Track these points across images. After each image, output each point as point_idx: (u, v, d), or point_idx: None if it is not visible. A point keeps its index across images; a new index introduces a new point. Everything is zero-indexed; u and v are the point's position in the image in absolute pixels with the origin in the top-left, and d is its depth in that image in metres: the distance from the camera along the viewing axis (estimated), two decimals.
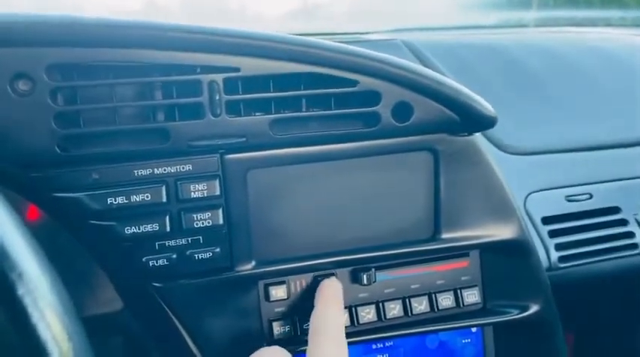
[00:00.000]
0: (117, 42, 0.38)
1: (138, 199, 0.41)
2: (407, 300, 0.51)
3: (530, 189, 0.66)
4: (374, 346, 0.52)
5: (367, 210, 0.48)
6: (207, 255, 0.43)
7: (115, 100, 0.39)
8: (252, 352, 0.43)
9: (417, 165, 0.49)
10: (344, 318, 0.44)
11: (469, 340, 0.54)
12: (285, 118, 0.43)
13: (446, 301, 0.51)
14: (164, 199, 0.41)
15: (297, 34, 0.43)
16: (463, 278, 0.52)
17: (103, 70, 0.39)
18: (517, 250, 0.53)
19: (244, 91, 0.42)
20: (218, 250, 0.43)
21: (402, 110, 0.45)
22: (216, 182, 0.43)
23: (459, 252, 0.52)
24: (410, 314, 0.50)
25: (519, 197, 0.64)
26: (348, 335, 0.48)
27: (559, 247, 0.63)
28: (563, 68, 0.84)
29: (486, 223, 0.51)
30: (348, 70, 0.43)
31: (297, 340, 0.48)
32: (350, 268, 0.49)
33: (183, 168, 0.42)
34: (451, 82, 0.46)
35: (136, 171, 0.41)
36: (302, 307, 0.48)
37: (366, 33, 0.94)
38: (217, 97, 0.41)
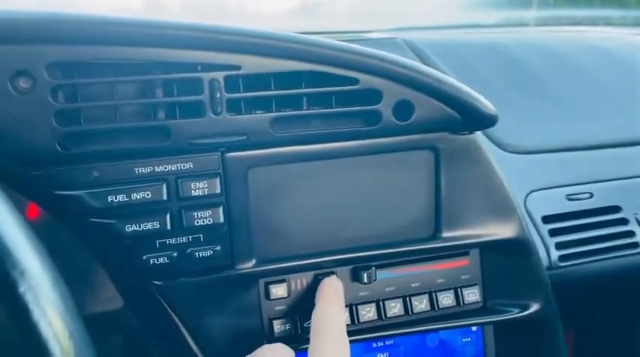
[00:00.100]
0: (118, 40, 0.38)
1: (138, 197, 0.41)
2: (407, 298, 0.51)
3: (530, 188, 0.66)
4: (374, 345, 0.52)
5: (368, 208, 0.48)
6: (208, 253, 0.43)
7: (115, 97, 0.39)
8: (252, 350, 0.43)
9: (417, 163, 0.49)
10: (345, 316, 0.44)
11: (469, 339, 0.54)
12: (286, 116, 0.43)
13: (446, 299, 0.51)
14: (165, 197, 0.41)
15: (297, 33, 0.43)
16: (463, 277, 0.52)
17: (103, 67, 0.39)
18: (517, 248, 0.53)
19: (245, 89, 0.42)
20: (219, 248, 0.43)
21: (403, 109, 0.45)
22: (217, 180, 0.43)
23: (459, 251, 0.52)
24: (410, 313, 0.50)
25: (520, 196, 0.64)
26: (348, 334, 0.48)
27: (559, 246, 0.63)
28: (564, 67, 0.84)
29: (487, 222, 0.51)
30: (349, 68, 0.43)
31: (297, 338, 0.48)
32: (350, 267, 0.49)
33: (184, 166, 0.42)
34: (452, 80, 0.46)
35: (136, 169, 0.41)
36: (302, 306, 0.48)
37: (367, 32, 0.94)
38: (218, 95, 0.41)
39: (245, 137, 0.42)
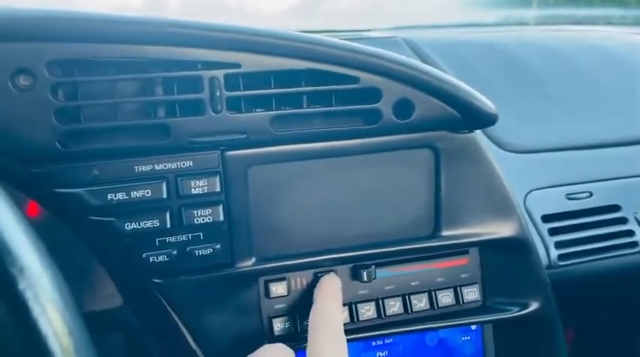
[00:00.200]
0: (118, 38, 0.38)
1: (138, 195, 0.41)
2: (407, 297, 0.51)
3: (530, 187, 0.66)
4: (373, 343, 0.52)
5: (367, 207, 0.48)
6: (208, 251, 0.43)
7: (115, 95, 0.39)
8: (252, 348, 0.43)
9: (417, 162, 0.49)
10: (343, 314, 0.44)
11: (469, 338, 0.54)
12: (286, 114, 0.43)
13: (445, 298, 0.52)
14: (164, 195, 0.41)
15: (297, 32, 0.43)
16: (463, 276, 0.52)
17: (103, 65, 0.39)
18: (517, 247, 0.53)
19: (245, 88, 0.42)
20: (218, 246, 0.43)
21: (403, 107, 0.45)
22: (217, 179, 0.43)
23: (459, 249, 0.52)
24: (410, 311, 0.50)
25: (519, 195, 0.64)
26: (347, 332, 0.48)
27: (559, 245, 0.63)
28: (564, 67, 0.84)
29: (486, 221, 0.51)
30: (349, 66, 0.43)
31: (297, 336, 0.48)
32: (350, 265, 0.49)
33: (183, 164, 0.42)
34: (452, 79, 0.46)
35: (136, 167, 0.41)
36: (302, 304, 0.48)
37: (367, 30, 0.94)
38: (218, 94, 0.41)
39: (245, 135, 0.42)
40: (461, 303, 0.52)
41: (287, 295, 0.48)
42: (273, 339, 0.47)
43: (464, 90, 0.46)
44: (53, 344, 0.23)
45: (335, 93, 0.44)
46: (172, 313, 0.45)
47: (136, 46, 0.39)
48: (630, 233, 0.66)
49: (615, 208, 0.67)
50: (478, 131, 0.50)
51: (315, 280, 0.48)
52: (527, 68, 0.82)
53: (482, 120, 0.48)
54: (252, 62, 0.41)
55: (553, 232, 0.64)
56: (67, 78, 0.38)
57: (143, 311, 0.48)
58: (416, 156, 0.49)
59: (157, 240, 0.42)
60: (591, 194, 0.67)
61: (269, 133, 0.43)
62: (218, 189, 0.43)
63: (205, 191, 0.42)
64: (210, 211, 0.43)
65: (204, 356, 0.46)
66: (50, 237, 0.33)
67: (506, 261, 0.53)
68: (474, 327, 0.54)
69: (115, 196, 0.40)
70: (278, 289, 0.47)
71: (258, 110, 0.43)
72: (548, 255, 0.62)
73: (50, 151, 0.38)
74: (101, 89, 0.39)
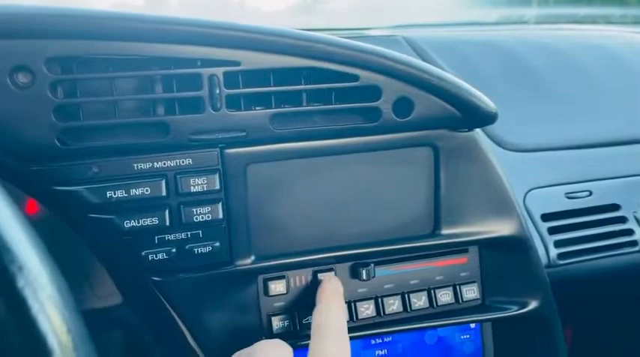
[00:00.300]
0: (117, 35, 0.38)
1: (137, 193, 0.41)
2: (406, 295, 0.51)
3: (529, 186, 0.66)
4: (373, 342, 0.52)
5: (367, 205, 0.48)
6: (207, 249, 0.43)
7: (115, 93, 0.39)
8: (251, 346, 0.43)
9: (417, 160, 0.49)
10: (346, 316, 0.44)
11: (468, 336, 0.54)
12: (286, 112, 0.43)
13: (445, 296, 0.52)
14: (164, 193, 0.41)
15: (297, 29, 0.43)
16: (462, 274, 0.52)
17: (103, 62, 0.39)
18: (516, 246, 0.53)
19: (245, 85, 0.42)
20: (217, 244, 0.43)
21: (402, 105, 0.45)
22: (216, 176, 0.42)
23: (458, 248, 0.52)
24: (409, 310, 0.51)
25: (519, 194, 0.64)
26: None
27: (558, 243, 0.63)
28: (564, 65, 0.84)
29: (486, 219, 0.51)
30: (349, 64, 0.43)
31: (296, 335, 0.48)
32: (349, 263, 0.49)
33: (183, 162, 0.42)
34: (452, 77, 0.46)
35: (135, 164, 0.41)
36: (301, 302, 0.48)
37: (367, 29, 0.93)
38: (217, 91, 0.41)
39: (244, 133, 0.42)
40: (460, 301, 0.52)
41: (286, 294, 0.48)
42: (272, 337, 0.47)
43: (464, 88, 0.46)
44: (52, 342, 0.23)
45: (334, 91, 0.44)
46: (171, 310, 0.45)
47: (135, 44, 0.39)
48: (629, 232, 0.66)
49: (615, 207, 0.67)
50: (478, 130, 0.50)
51: (315, 278, 0.48)
52: (527, 67, 0.82)
53: (482, 118, 0.48)
54: (251, 60, 0.41)
55: (552, 230, 0.64)
56: (66, 75, 0.38)
57: (142, 309, 0.48)
58: (415, 154, 0.49)
59: (156, 238, 0.42)
60: (591, 193, 0.67)
61: (268, 130, 0.43)
62: (217, 187, 0.43)
63: (204, 189, 0.42)
64: (210, 208, 0.43)
65: (203, 354, 0.46)
66: (49, 235, 0.33)
67: (505, 260, 0.53)
68: (473, 325, 0.54)
69: (114, 194, 0.40)
70: (277, 287, 0.47)
71: (257, 108, 0.43)
72: (547, 254, 0.62)
73: (49, 149, 0.38)
74: (100, 87, 0.39)
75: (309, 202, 0.47)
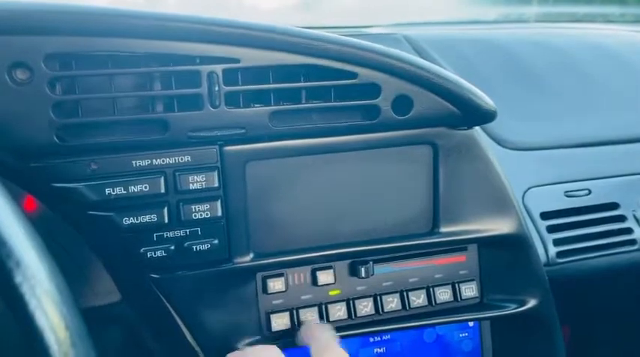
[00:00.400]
0: (116, 31, 0.38)
1: (136, 190, 0.40)
2: (405, 293, 0.51)
3: (529, 184, 0.65)
4: (371, 340, 0.52)
5: (366, 203, 0.48)
6: (205, 247, 0.43)
7: (113, 90, 0.39)
8: (249, 344, 0.43)
9: (416, 158, 0.49)
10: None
11: (466, 334, 0.54)
12: (285, 109, 0.43)
13: (443, 294, 0.52)
14: (162, 190, 0.41)
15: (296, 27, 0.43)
16: (461, 272, 0.52)
17: (101, 59, 0.39)
18: (515, 244, 0.53)
19: (244, 83, 0.42)
20: (216, 241, 0.43)
21: (401, 103, 0.45)
22: (215, 174, 0.42)
23: (457, 246, 0.52)
24: (407, 308, 0.51)
25: (518, 192, 0.64)
26: (345, 328, 0.48)
27: (557, 242, 0.63)
28: (563, 64, 0.84)
29: (485, 218, 0.51)
30: (348, 62, 0.43)
31: (294, 333, 0.48)
32: (348, 261, 0.49)
33: (182, 159, 0.42)
34: (451, 75, 0.46)
35: (134, 162, 0.41)
36: (300, 300, 0.48)
37: (367, 27, 0.93)
38: (216, 88, 0.41)
39: (243, 131, 0.42)
40: (459, 299, 0.52)
41: (285, 291, 0.48)
42: (271, 335, 0.47)
43: (463, 86, 0.46)
44: (50, 338, 0.23)
45: (334, 88, 0.44)
46: (170, 308, 0.45)
47: (134, 40, 0.39)
48: (628, 231, 0.66)
49: (614, 205, 0.67)
50: (477, 128, 0.50)
51: (314, 276, 0.48)
52: (527, 66, 0.82)
53: (481, 116, 0.48)
54: (251, 57, 0.41)
55: (551, 229, 0.64)
56: (65, 72, 0.38)
57: (141, 306, 0.47)
58: (414, 152, 0.49)
59: (155, 235, 0.42)
60: (590, 192, 0.67)
61: (267, 128, 0.43)
62: (216, 184, 0.43)
63: (203, 186, 0.42)
64: (208, 206, 0.43)
65: (202, 351, 0.46)
66: (48, 232, 0.33)
67: (504, 258, 0.53)
68: (471, 323, 0.54)
69: (113, 191, 0.40)
70: (276, 284, 0.47)
71: (256, 105, 0.42)
72: (546, 252, 0.62)
73: (48, 146, 0.38)
74: (99, 83, 0.39)
75: (307, 200, 0.47)
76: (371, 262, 0.49)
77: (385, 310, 0.50)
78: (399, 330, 0.51)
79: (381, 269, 0.50)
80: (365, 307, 0.50)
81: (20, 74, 0.37)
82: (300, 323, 0.48)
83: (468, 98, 0.46)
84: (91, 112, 0.39)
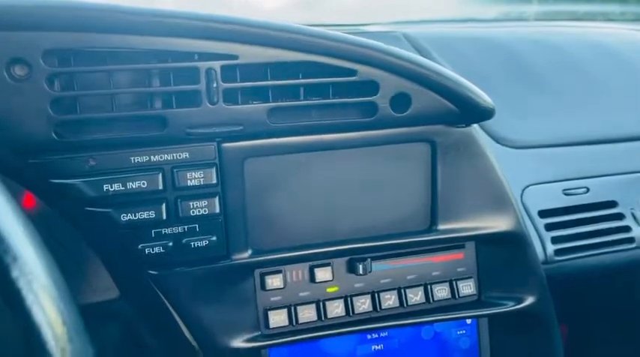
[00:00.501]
0: (115, 27, 0.38)
1: (134, 186, 0.41)
2: (402, 290, 0.51)
3: (527, 182, 0.66)
4: (369, 337, 0.52)
5: (364, 200, 0.48)
6: (204, 243, 0.43)
7: (112, 86, 0.39)
8: (247, 341, 0.43)
9: (414, 156, 0.49)
10: None
11: (464, 332, 0.54)
12: (283, 106, 0.43)
13: (441, 292, 0.52)
14: (160, 187, 0.41)
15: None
16: (459, 269, 0.53)
17: (100, 56, 0.39)
18: (513, 242, 0.53)
19: (242, 79, 0.42)
20: (214, 238, 0.43)
21: (400, 100, 0.45)
22: (213, 170, 0.42)
23: (455, 243, 0.52)
24: (405, 305, 0.51)
25: (516, 190, 0.64)
26: (342, 325, 0.48)
27: (555, 240, 0.63)
28: (563, 63, 0.84)
29: (483, 215, 0.51)
30: (347, 59, 0.43)
31: (293, 329, 0.48)
32: (346, 258, 0.49)
33: (180, 156, 0.42)
34: (450, 72, 0.46)
35: (132, 158, 0.41)
36: (298, 297, 0.48)
37: (366, 24, 0.93)
38: (215, 85, 0.41)
39: (241, 127, 0.42)
40: (456, 297, 0.52)
41: (283, 288, 0.48)
42: (269, 331, 0.48)
43: (461, 84, 0.46)
44: (46, 332, 0.23)
45: (332, 85, 0.44)
46: (168, 304, 0.45)
47: (132, 37, 0.39)
48: (626, 229, 0.66)
49: (612, 204, 0.67)
50: (475, 126, 0.50)
51: (312, 272, 0.48)
52: (526, 64, 0.82)
53: (480, 114, 0.48)
54: (249, 54, 0.41)
55: (549, 227, 0.64)
56: (63, 68, 0.38)
57: (139, 303, 0.48)
58: (413, 149, 0.49)
59: (153, 231, 0.42)
60: (588, 190, 0.67)
61: (266, 125, 0.43)
62: (214, 181, 0.43)
63: (201, 183, 0.42)
64: (206, 202, 0.43)
65: (200, 348, 0.46)
66: (46, 229, 0.33)
67: (502, 255, 0.53)
68: (469, 321, 0.54)
69: (111, 187, 0.40)
70: (274, 281, 0.47)
71: (254, 102, 0.42)
72: (544, 250, 0.62)
73: (46, 142, 0.38)
74: (97, 80, 0.39)
75: (306, 197, 0.47)
76: (369, 259, 0.49)
77: (383, 307, 0.50)
78: (397, 327, 0.51)
79: (378, 266, 0.50)
80: (363, 304, 0.50)
81: (19, 70, 0.37)
82: (297, 321, 0.48)
83: (466, 96, 0.46)
84: (90, 109, 0.39)
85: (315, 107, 0.44)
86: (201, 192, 0.42)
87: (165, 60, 0.40)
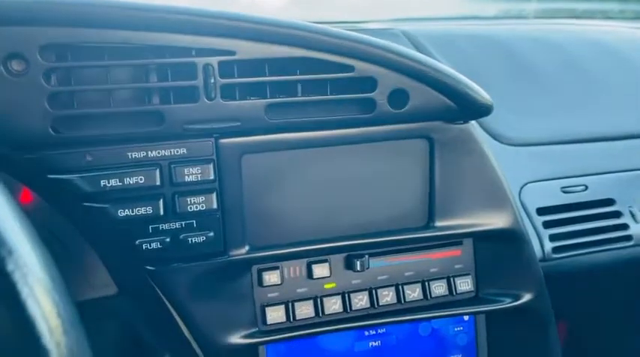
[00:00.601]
0: (112, 23, 0.38)
1: (131, 182, 0.41)
2: (400, 287, 0.51)
3: (525, 180, 0.66)
4: (366, 333, 0.52)
5: (362, 197, 0.48)
6: (201, 239, 0.43)
7: (109, 81, 0.39)
8: (245, 337, 0.43)
9: (412, 152, 0.49)
10: None
11: (461, 328, 0.55)
12: (281, 102, 0.43)
13: (439, 288, 0.52)
14: (158, 183, 0.41)
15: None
16: (456, 266, 0.53)
17: (98, 51, 0.39)
18: (511, 239, 0.53)
19: (240, 75, 0.42)
20: (212, 234, 0.43)
21: (398, 97, 0.45)
22: (211, 166, 0.42)
23: (452, 240, 0.52)
24: (403, 301, 0.51)
25: (515, 188, 0.64)
26: (340, 322, 0.48)
27: (553, 237, 0.63)
28: (562, 60, 0.84)
29: (480, 212, 0.51)
30: (345, 55, 0.43)
31: (290, 326, 0.48)
32: (344, 255, 0.49)
33: (177, 151, 0.42)
34: (448, 69, 0.46)
35: (130, 153, 0.41)
36: (295, 293, 0.48)
37: (365, 22, 0.93)
38: (212, 81, 0.41)
39: (239, 123, 0.42)
40: (454, 293, 0.52)
41: (280, 284, 0.48)
42: (266, 328, 0.48)
43: (459, 80, 0.46)
44: (41, 326, 0.23)
45: (330, 81, 0.44)
46: (165, 300, 0.45)
47: (130, 32, 0.38)
48: (624, 227, 0.66)
49: (610, 201, 0.67)
50: (473, 122, 0.50)
51: (309, 269, 0.48)
52: (525, 62, 0.82)
53: (478, 110, 0.48)
54: (247, 50, 0.41)
55: (547, 224, 0.64)
56: (61, 63, 0.38)
57: (137, 298, 0.48)
58: (410, 146, 0.49)
59: (150, 227, 0.42)
60: (586, 188, 0.67)
61: (263, 121, 0.43)
62: (212, 177, 0.43)
63: (199, 179, 0.42)
64: (204, 198, 0.43)
65: (197, 344, 0.46)
66: (44, 224, 0.33)
67: (499, 252, 0.53)
68: (466, 317, 0.54)
69: (108, 183, 0.40)
70: (271, 277, 0.47)
71: (252, 98, 0.42)
72: (542, 247, 0.62)
73: (43, 137, 0.38)
74: (95, 75, 0.39)
75: (303, 193, 0.47)
76: (366, 256, 0.49)
77: (380, 304, 0.50)
78: (395, 324, 0.51)
79: (376, 263, 0.50)
80: (360, 301, 0.50)
81: (16, 65, 0.37)
82: (295, 317, 0.48)
83: (464, 92, 0.46)
84: (87, 104, 0.39)
85: (312, 103, 0.44)
86: (198, 188, 0.42)
87: (162, 55, 0.40)
